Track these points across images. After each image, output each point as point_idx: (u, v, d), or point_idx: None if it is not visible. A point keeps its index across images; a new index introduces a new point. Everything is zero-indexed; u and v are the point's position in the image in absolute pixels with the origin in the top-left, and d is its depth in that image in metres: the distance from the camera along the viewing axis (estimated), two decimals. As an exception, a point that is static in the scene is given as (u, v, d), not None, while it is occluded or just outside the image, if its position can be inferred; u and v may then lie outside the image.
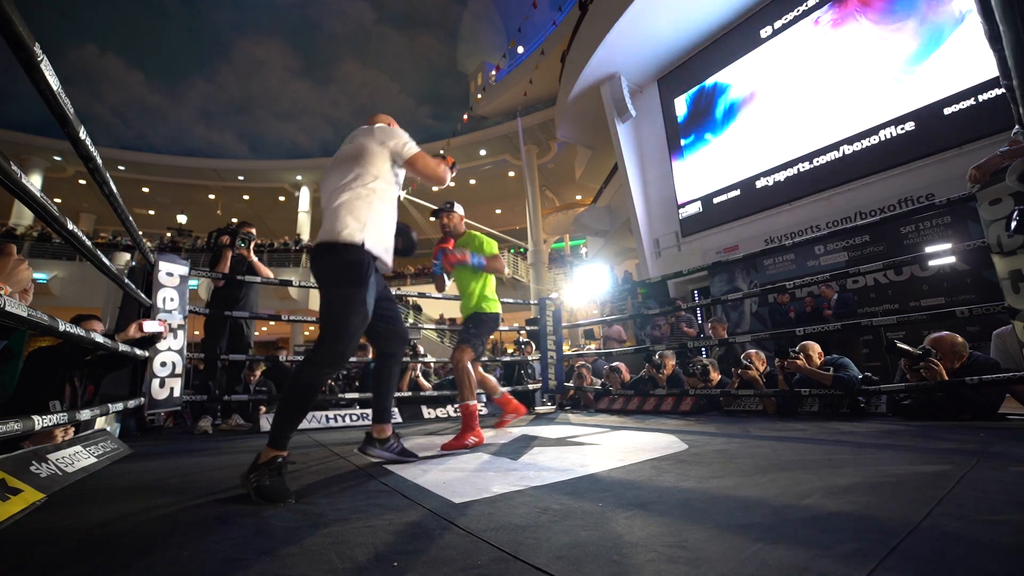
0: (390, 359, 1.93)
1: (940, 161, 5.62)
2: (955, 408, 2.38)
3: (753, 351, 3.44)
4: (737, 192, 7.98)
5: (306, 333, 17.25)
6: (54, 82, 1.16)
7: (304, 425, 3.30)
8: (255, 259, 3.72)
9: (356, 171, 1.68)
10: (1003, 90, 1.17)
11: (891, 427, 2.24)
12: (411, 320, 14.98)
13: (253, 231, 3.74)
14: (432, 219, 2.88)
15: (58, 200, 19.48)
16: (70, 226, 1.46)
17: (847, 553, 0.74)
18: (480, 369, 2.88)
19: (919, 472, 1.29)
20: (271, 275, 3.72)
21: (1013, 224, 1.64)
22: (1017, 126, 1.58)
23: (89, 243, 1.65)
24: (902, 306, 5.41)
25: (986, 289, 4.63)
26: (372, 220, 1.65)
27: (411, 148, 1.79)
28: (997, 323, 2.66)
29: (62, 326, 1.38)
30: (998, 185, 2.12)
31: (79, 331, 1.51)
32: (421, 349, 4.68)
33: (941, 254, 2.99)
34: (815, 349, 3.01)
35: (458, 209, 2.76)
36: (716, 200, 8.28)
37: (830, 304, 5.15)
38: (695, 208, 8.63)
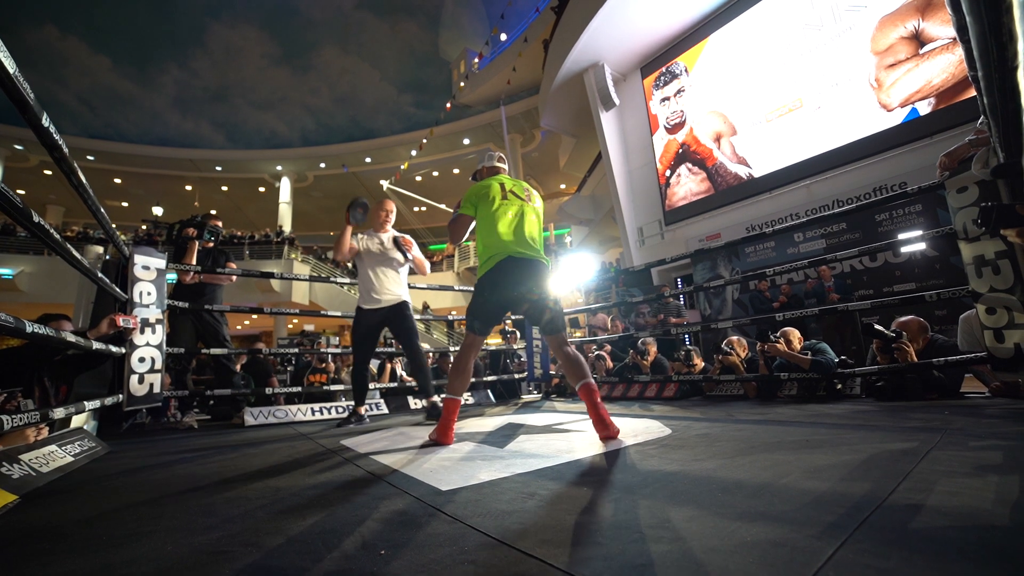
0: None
1: (913, 150, 5.78)
2: (922, 388, 2.50)
3: (735, 338, 3.52)
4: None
5: (289, 326, 16.97)
6: (10, 64, 1.09)
7: (289, 418, 3.27)
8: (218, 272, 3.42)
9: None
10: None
11: (864, 408, 2.32)
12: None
13: (220, 224, 3.57)
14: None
15: (22, 191, 18.62)
16: (36, 218, 1.40)
17: (820, 528, 0.77)
18: (569, 350, 1.93)
19: (889, 450, 1.34)
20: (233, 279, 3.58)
21: (978, 221, 1.74)
22: (982, 116, 1.63)
23: (58, 236, 1.58)
24: (876, 291, 5.58)
25: (953, 274, 4.80)
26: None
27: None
28: (963, 307, 2.78)
29: (29, 327, 1.33)
30: (965, 174, 2.19)
31: (47, 331, 1.46)
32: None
33: (912, 241, 3.09)
34: (795, 335, 3.10)
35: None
36: (699, 189, 8.37)
37: (831, 285, 5.22)
38: (678, 197, 8.72)
